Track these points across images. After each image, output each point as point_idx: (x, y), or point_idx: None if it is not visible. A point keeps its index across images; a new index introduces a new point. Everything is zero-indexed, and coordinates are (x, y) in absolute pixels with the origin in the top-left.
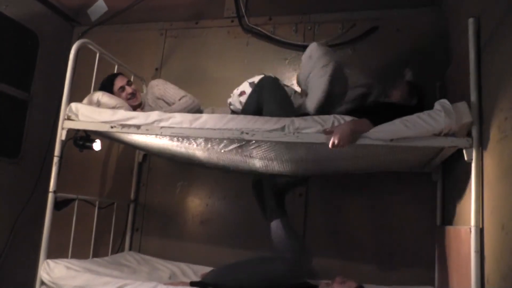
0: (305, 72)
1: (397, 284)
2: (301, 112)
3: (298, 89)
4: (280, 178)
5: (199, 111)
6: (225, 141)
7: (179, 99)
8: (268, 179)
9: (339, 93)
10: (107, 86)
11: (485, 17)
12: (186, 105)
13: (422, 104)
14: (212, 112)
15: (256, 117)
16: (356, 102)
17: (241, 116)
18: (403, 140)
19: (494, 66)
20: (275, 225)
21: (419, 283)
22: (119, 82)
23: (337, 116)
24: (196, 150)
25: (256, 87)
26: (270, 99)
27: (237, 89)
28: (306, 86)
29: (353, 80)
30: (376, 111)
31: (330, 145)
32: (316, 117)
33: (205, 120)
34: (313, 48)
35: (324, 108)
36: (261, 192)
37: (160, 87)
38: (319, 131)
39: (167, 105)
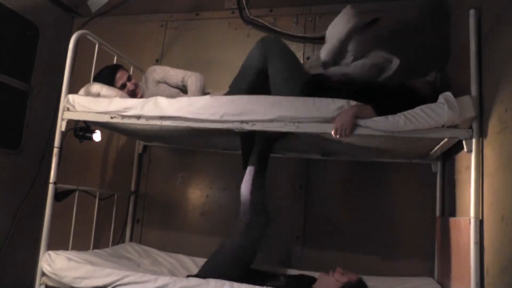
0: (332, 28)
1: (397, 276)
2: (311, 75)
3: None
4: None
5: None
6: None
7: (182, 80)
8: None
9: (354, 49)
10: (107, 80)
11: (486, 9)
12: (197, 86)
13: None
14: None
15: (256, 98)
16: (374, 70)
17: (240, 97)
18: (404, 131)
19: (495, 58)
20: (249, 170)
21: (419, 274)
22: (120, 79)
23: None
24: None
25: (261, 46)
26: (275, 57)
27: None
28: (328, 39)
29: (375, 47)
30: (383, 99)
31: (333, 133)
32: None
33: (203, 105)
34: (346, 10)
35: (335, 57)
36: (248, 144)
37: (159, 71)
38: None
39: (170, 87)
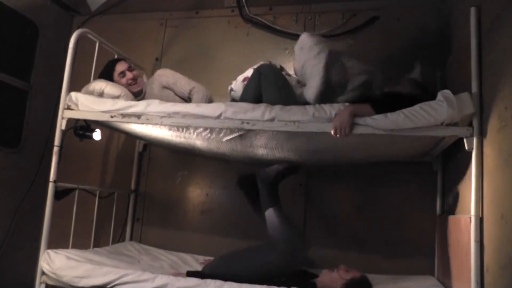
0: (299, 63)
1: (397, 274)
2: (302, 101)
3: None
4: (271, 169)
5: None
6: (225, 130)
7: (190, 92)
8: (260, 171)
9: (339, 81)
10: (107, 71)
11: (486, 6)
12: (202, 101)
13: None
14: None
15: (255, 105)
16: (360, 89)
17: (240, 104)
18: (404, 130)
19: (495, 55)
20: (270, 213)
21: (419, 273)
22: (119, 67)
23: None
24: (196, 139)
25: (254, 74)
26: (269, 87)
27: (242, 75)
28: (302, 77)
29: (353, 67)
30: (381, 100)
31: (332, 132)
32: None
33: (205, 108)
34: (303, 39)
35: (325, 97)
36: (248, 186)
37: (169, 77)
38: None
39: (175, 95)
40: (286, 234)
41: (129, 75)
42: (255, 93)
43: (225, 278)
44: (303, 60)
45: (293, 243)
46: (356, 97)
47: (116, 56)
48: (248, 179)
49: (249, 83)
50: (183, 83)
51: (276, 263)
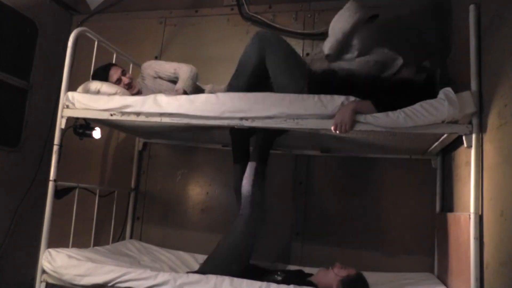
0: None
1: (397, 271)
2: (312, 69)
3: None
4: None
5: (199, 89)
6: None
7: (174, 72)
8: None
9: (360, 46)
10: (102, 77)
11: (486, 4)
12: (187, 74)
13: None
14: (212, 89)
15: (255, 95)
16: (377, 66)
17: (239, 95)
18: (404, 128)
19: (494, 53)
20: (250, 166)
21: (419, 270)
22: (114, 74)
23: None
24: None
25: (256, 41)
26: (278, 64)
27: None
28: (332, 29)
29: (381, 43)
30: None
31: (332, 129)
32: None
33: (203, 103)
34: (350, 2)
35: (340, 52)
36: (239, 135)
37: (153, 66)
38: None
39: (165, 82)
40: (251, 190)
41: (124, 80)
42: (256, 57)
43: (221, 270)
44: (338, 16)
45: (254, 201)
46: (370, 68)
47: (114, 55)
48: (243, 130)
49: (249, 47)
50: (166, 67)
51: (239, 230)
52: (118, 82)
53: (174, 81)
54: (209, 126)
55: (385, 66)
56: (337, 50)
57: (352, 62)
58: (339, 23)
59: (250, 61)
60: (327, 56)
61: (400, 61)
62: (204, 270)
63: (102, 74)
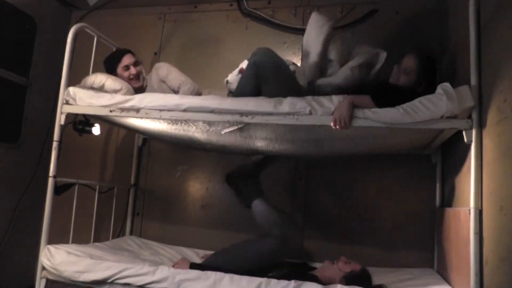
0: (304, 38)
1: (397, 266)
2: (307, 89)
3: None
4: (248, 162)
5: (198, 94)
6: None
7: (178, 86)
8: (237, 168)
9: (339, 57)
10: (113, 60)
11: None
12: (189, 93)
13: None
14: (209, 94)
15: (255, 98)
16: (362, 70)
17: (241, 99)
18: (403, 123)
19: (494, 48)
20: (256, 204)
21: (419, 265)
22: (126, 60)
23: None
24: (195, 132)
25: (253, 66)
26: (271, 82)
27: (238, 68)
28: (305, 51)
29: (359, 47)
30: (380, 91)
31: (332, 124)
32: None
33: (204, 98)
34: (312, 16)
35: (323, 70)
36: (235, 183)
37: (164, 70)
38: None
39: (168, 89)
40: (276, 219)
41: (132, 70)
42: (254, 88)
43: (224, 271)
44: (307, 35)
45: (284, 227)
46: (355, 75)
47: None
48: (233, 175)
49: (245, 75)
50: (174, 76)
51: (270, 249)
52: (125, 68)
53: (173, 90)
54: (209, 122)
55: (370, 64)
56: (318, 71)
57: (335, 77)
58: (310, 44)
59: (247, 89)
60: (311, 81)
61: (383, 54)
62: (212, 263)
63: (116, 56)
